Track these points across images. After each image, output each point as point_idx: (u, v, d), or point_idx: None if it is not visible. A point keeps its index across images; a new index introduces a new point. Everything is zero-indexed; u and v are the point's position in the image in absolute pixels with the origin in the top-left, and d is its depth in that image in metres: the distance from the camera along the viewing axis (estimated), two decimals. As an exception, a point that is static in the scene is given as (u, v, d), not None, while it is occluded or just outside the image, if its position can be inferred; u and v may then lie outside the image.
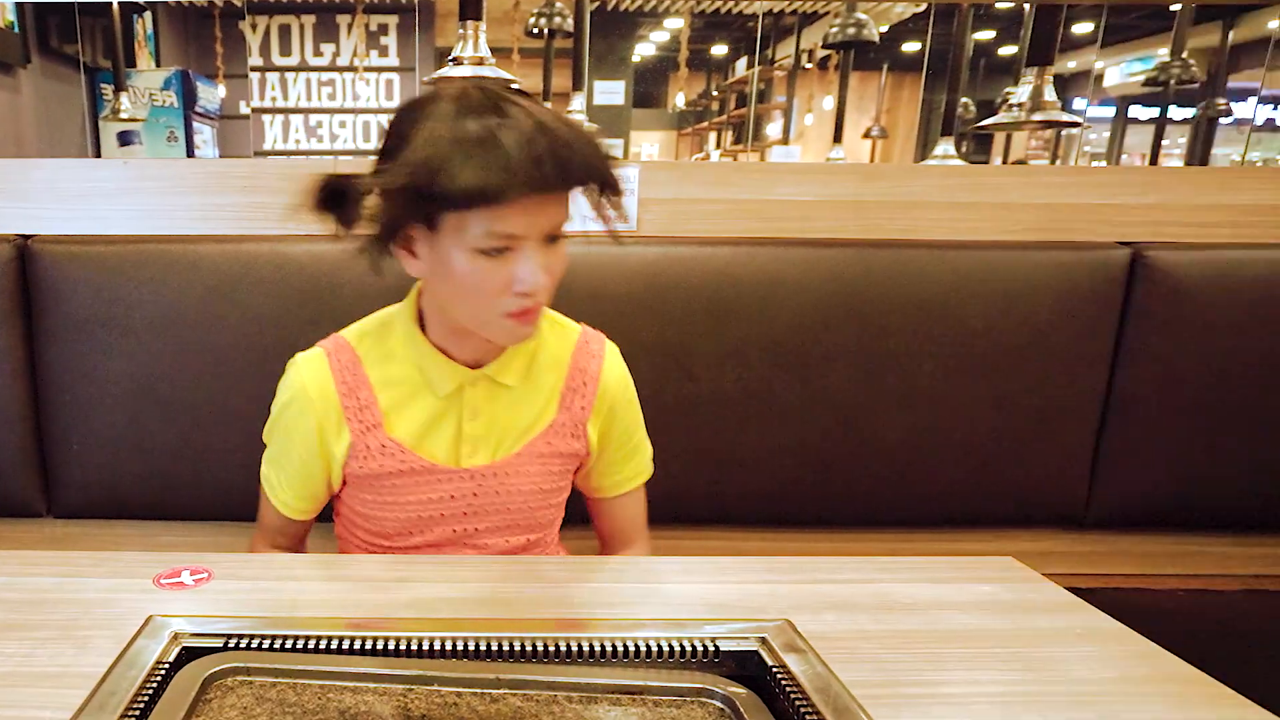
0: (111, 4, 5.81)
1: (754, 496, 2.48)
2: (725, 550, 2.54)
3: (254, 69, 12.01)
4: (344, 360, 1.76)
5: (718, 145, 17.43)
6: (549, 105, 1.57)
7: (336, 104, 12.47)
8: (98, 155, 8.29)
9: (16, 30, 6.83)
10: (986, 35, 14.54)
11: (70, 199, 2.44)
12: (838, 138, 8.35)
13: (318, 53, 12.32)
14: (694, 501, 2.43)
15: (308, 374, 1.76)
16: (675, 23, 14.69)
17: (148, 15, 9.85)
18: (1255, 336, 2.40)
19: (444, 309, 1.66)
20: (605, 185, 1.55)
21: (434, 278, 1.61)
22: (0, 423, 2.35)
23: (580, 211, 1.57)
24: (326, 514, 1.94)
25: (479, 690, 1.19)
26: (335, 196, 1.57)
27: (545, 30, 6.65)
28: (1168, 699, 1.25)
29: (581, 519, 2.02)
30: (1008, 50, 14.44)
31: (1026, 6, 4.16)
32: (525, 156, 1.41)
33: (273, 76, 12.27)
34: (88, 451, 2.38)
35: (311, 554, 1.88)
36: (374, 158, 1.57)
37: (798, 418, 2.42)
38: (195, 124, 8.72)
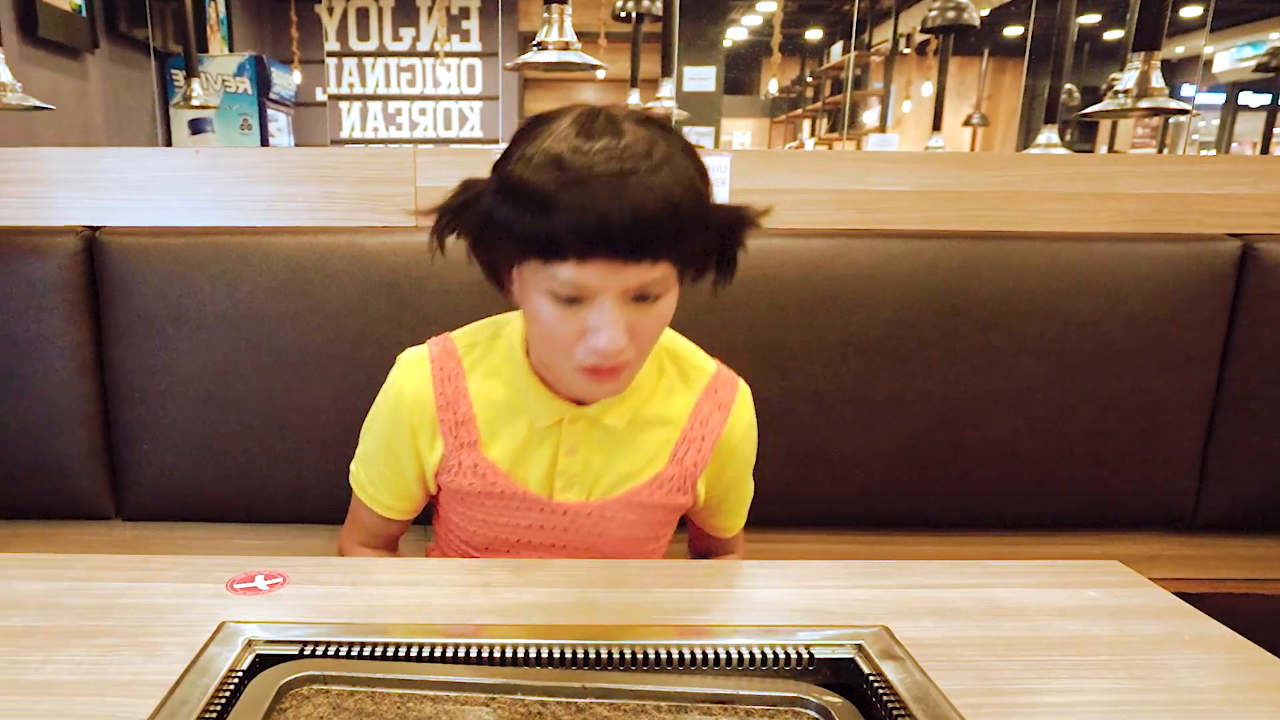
0: (183, -13, 5.87)
1: (849, 498, 2.47)
2: (820, 554, 2.54)
3: (330, 54, 12.13)
4: (447, 369, 1.74)
5: (812, 133, 17.36)
6: (680, 137, 1.48)
7: (416, 90, 12.57)
8: (168, 144, 8.38)
9: (84, 14, 6.88)
10: (1091, 19, 14.40)
11: (139, 189, 2.46)
12: (937, 125, 8.32)
13: (397, 37, 12.42)
14: (788, 504, 2.42)
15: (406, 379, 1.75)
16: (768, 6, 14.61)
17: (221, -2, 9.94)
18: (1372, 332, 2.38)
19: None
20: (699, 264, 1.52)
21: (524, 315, 1.58)
22: (68, 422, 2.38)
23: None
24: (422, 515, 1.96)
25: (565, 699, 1.19)
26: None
27: (633, 14, 6.63)
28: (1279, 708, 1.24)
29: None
30: (1113, 35, 14.27)
31: (1133, -11, 4.13)
32: (596, 221, 1.34)
33: (350, 62, 12.38)
34: (158, 451, 2.41)
35: (391, 558, 1.88)
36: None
37: (895, 416, 2.42)
38: (270, 111, 8.80)
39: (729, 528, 1.95)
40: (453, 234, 1.53)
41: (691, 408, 1.77)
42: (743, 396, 1.82)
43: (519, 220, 1.38)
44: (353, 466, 1.87)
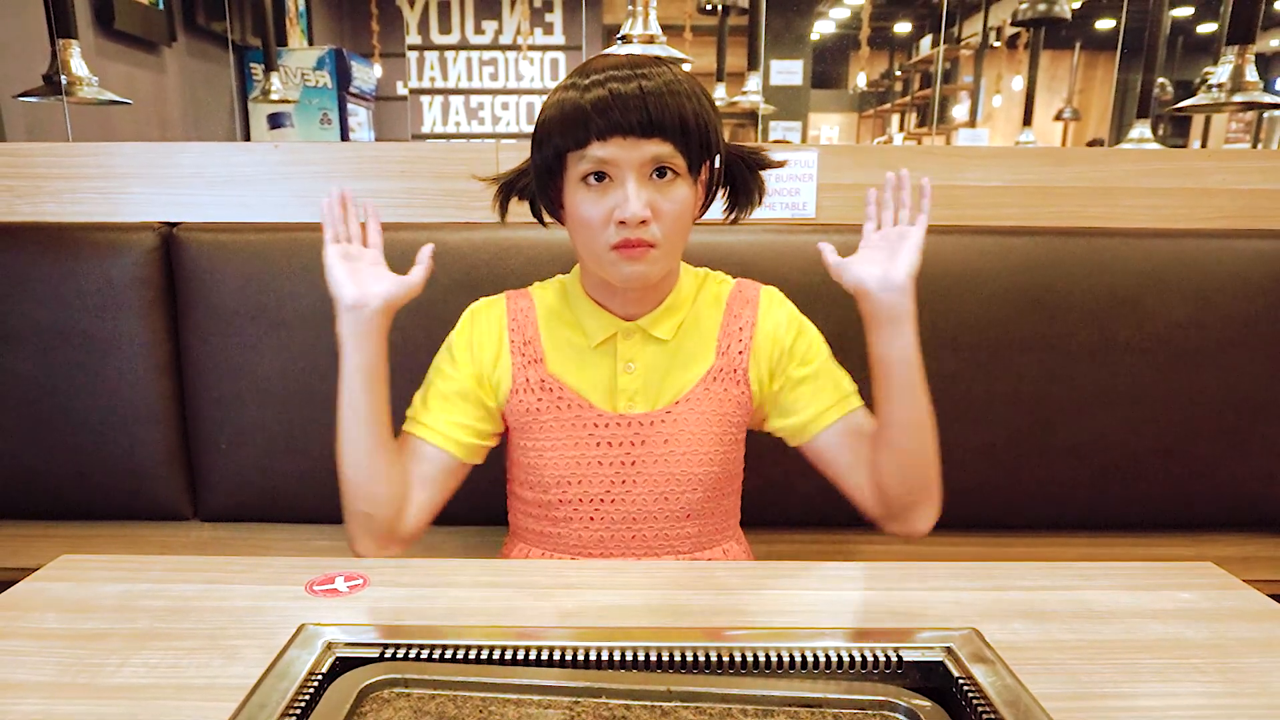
0: (262, -21, 5.91)
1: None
2: (908, 555, 2.52)
3: (411, 48, 12.16)
4: (520, 304, 1.97)
5: (901, 128, 17.39)
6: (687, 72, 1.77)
7: (499, 85, 12.57)
8: (247, 139, 8.45)
9: (161, 7, 6.93)
10: (1184, 12, 14.33)
11: (218, 184, 2.50)
12: (1027, 120, 8.33)
13: (479, 30, 12.42)
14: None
15: (484, 305, 2.00)
16: (856, -1, 14.68)
17: (300, -10, 9.99)
18: None
19: (579, 256, 1.86)
20: (695, 144, 1.71)
21: (568, 224, 1.80)
22: (145, 421, 2.42)
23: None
24: (493, 516, 2.01)
25: (649, 703, 1.20)
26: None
27: (719, 6, 6.66)
28: (1388, 719, 1.23)
29: (766, 523, 2.03)
30: (1207, 28, 14.21)
31: (1225, -17, 4.13)
32: (611, 100, 1.63)
33: (431, 55, 12.40)
34: (236, 451, 2.44)
35: (472, 559, 1.90)
36: None
37: (985, 415, 2.44)
38: (350, 105, 8.83)
39: (836, 404, 1.92)
40: (515, 193, 1.93)
41: (724, 308, 1.96)
42: (768, 290, 2.02)
43: (556, 119, 1.69)
44: (409, 412, 1.90)
